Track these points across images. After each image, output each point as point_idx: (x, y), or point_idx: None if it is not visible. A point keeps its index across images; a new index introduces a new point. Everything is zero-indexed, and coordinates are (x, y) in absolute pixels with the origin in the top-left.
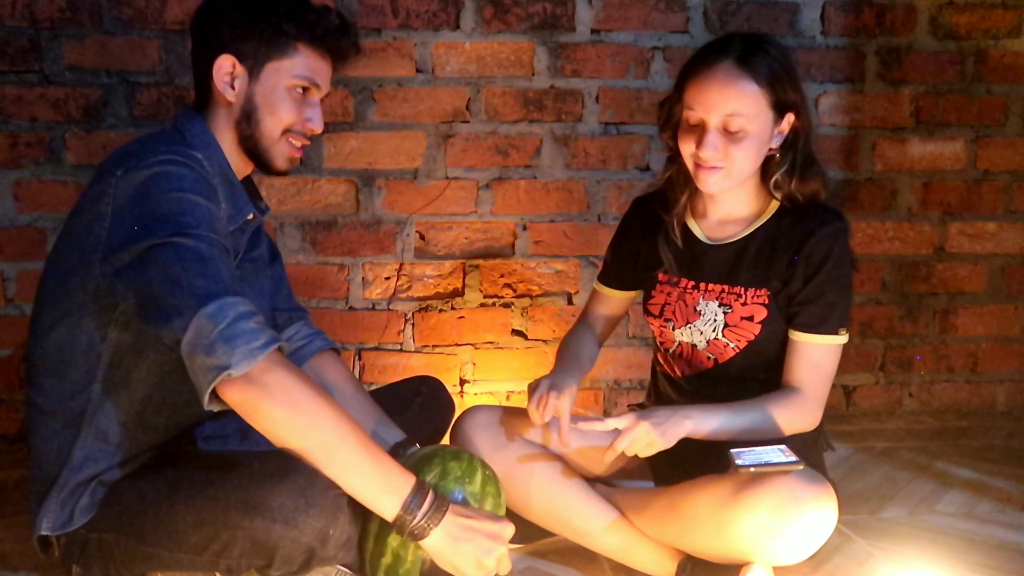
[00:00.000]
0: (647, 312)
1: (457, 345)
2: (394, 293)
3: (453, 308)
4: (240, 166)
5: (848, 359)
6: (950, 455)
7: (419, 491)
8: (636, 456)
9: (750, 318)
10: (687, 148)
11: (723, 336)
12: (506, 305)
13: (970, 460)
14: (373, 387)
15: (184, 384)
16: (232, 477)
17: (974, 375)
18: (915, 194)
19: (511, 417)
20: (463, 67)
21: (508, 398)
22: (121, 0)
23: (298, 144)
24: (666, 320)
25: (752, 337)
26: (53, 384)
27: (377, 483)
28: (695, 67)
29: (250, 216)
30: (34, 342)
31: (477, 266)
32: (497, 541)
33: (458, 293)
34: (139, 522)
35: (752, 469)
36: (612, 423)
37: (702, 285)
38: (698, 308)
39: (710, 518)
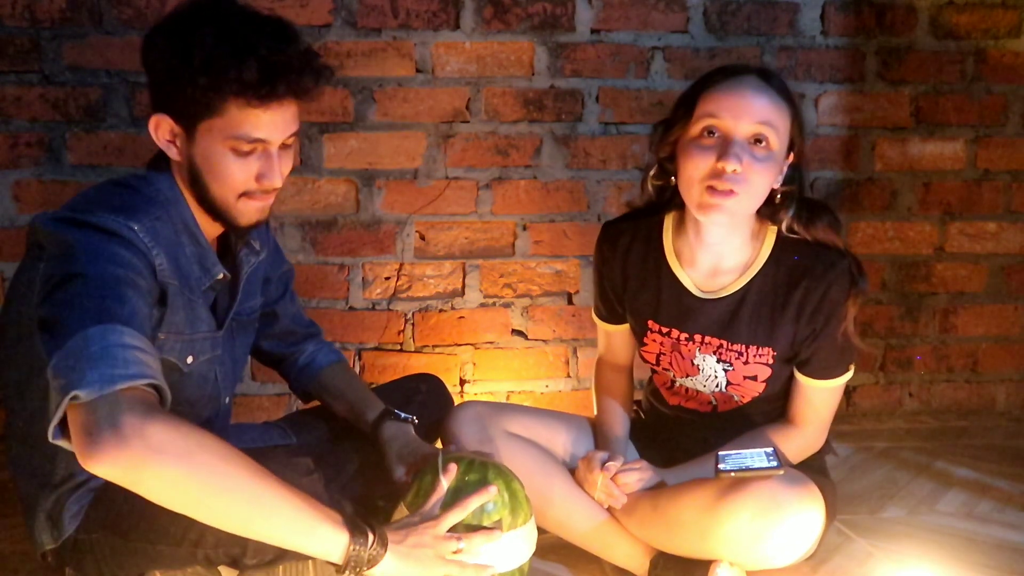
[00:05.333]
0: (643, 359)
1: (457, 345)
2: (394, 293)
3: (453, 308)
4: (206, 223)
5: None
6: (950, 455)
7: (355, 526)
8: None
9: (753, 377)
10: (701, 166)
11: (726, 390)
12: (506, 305)
13: (970, 460)
14: (373, 386)
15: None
16: None
17: (974, 375)
18: (915, 194)
19: (496, 411)
20: (463, 67)
21: (508, 398)
22: (121, 0)
23: (259, 202)
24: (664, 370)
25: (757, 394)
26: (18, 406)
27: (312, 534)
28: (715, 79)
29: (219, 276)
30: None
31: (477, 266)
32: (445, 540)
33: (458, 293)
34: (123, 518)
35: (733, 474)
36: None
37: (696, 337)
38: (695, 362)
39: (694, 522)
